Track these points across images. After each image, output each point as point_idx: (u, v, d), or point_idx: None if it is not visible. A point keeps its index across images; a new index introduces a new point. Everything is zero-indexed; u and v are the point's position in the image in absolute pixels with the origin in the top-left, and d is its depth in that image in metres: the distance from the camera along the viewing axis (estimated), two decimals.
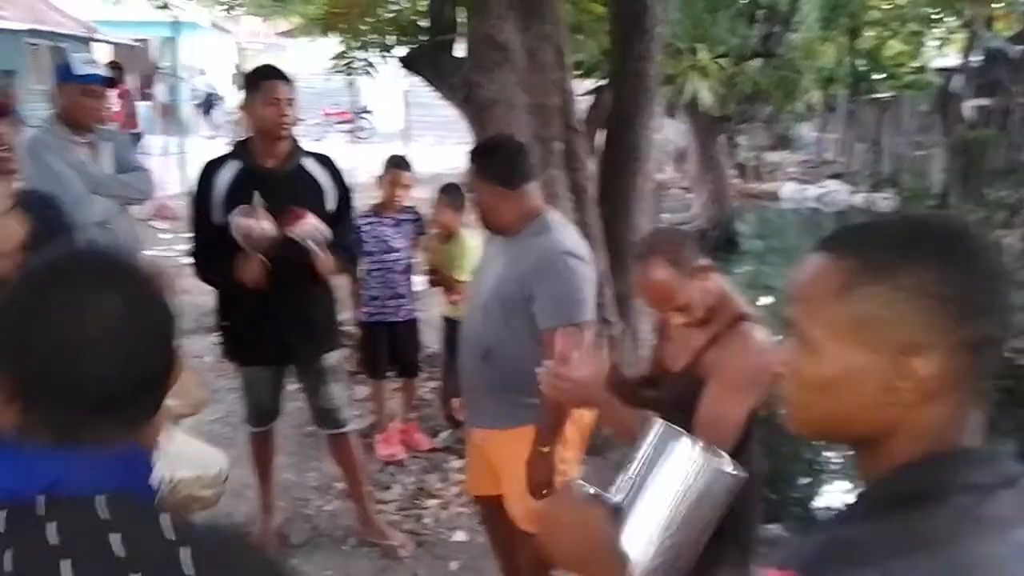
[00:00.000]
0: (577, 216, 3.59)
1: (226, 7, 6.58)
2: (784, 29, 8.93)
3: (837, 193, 13.81)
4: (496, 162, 2.19)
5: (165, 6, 6.59)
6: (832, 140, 17.97)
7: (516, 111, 3.38)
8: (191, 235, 2.77)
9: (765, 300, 9.65)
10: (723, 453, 1.04)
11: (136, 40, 16.31)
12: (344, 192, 2.82)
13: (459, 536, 3.11)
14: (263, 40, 12.37)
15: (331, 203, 2.77)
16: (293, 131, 2.71)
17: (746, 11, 8.85)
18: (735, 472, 1.01)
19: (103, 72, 3.19)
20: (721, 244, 10.17)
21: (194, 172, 2.90)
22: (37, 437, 0.72)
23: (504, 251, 2.15)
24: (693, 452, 0.98)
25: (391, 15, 5.22)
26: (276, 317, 2.67)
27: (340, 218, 2.79)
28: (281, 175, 2.69)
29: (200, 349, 4.44)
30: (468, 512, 3.17)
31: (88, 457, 0.72)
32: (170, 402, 2.04)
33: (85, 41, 14.99)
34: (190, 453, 1.71)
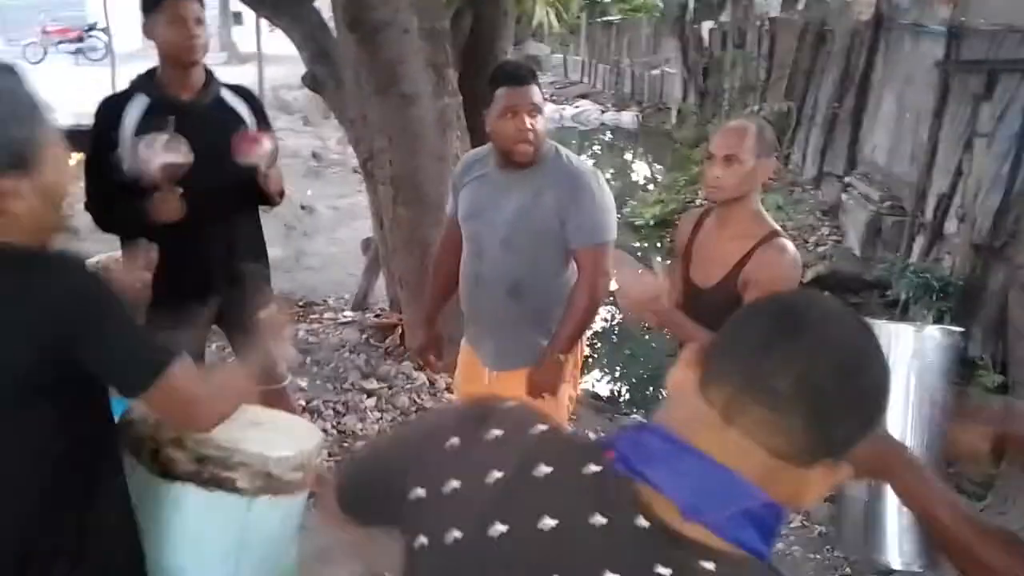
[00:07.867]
0: (462, 146, 3.54)
1: None
2: None
3: (590, 112, 14.79)
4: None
5: None
6: (576, 62, 19.07)
7: (410, 35, 3.21)
8: (87, 184, 2.33)
9: None
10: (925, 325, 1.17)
11: None
12: (267, 128, 2.54)
13: None
14: None
15: None
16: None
17: None
18: (952, 330, 1.13)
19: None
20: None
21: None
22: None
23: (517, 182, 2.11)
24: (908, 335, 1.10)
25: None
26: (203, 260, 2.34)
27: None
28: (199, 108, 2.35)
29: None
30: None
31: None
32: None
33: None
34: (281, 426, 1.52)
